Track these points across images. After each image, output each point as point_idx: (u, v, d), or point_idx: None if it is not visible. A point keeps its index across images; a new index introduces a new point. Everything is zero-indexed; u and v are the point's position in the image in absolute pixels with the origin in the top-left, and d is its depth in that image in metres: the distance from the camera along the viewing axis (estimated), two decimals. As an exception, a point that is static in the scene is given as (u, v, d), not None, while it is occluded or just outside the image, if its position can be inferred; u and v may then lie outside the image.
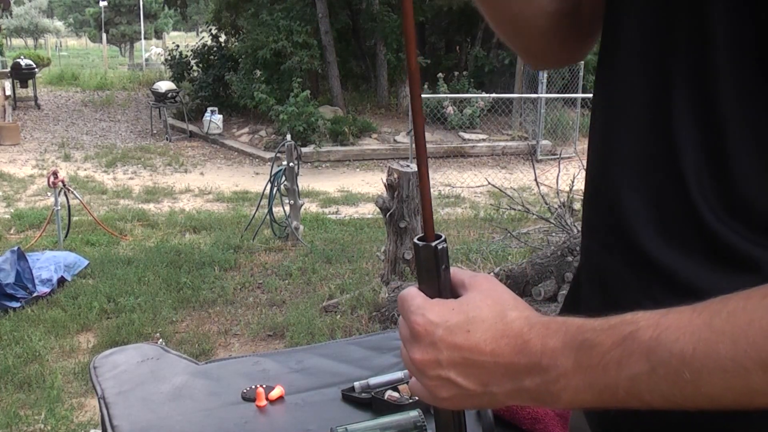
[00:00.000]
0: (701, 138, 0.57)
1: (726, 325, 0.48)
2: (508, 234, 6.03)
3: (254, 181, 9.63)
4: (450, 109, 12.57)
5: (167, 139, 12.78)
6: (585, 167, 0.74)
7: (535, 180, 6.06)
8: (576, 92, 11.92)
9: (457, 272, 0.63)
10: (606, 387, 0.52)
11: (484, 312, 0.58)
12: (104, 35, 32.64)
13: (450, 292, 0.62)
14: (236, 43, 14.52)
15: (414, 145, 0.64)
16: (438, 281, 0.62)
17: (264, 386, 1.59)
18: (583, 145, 11.24)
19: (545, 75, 11.34)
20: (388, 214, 4.67)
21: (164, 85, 13.88)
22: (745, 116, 0.54)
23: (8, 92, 15.80)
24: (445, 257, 0.62)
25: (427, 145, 0.63)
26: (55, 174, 6.17)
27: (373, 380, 1.60)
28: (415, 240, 0.62)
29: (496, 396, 0.58)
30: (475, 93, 12.86)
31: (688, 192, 0.57)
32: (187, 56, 16.11)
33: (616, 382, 0.51)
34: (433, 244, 0.61)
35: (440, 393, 0.60)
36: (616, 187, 0.64)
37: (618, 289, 0.63)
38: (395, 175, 4.65)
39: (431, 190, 0.64)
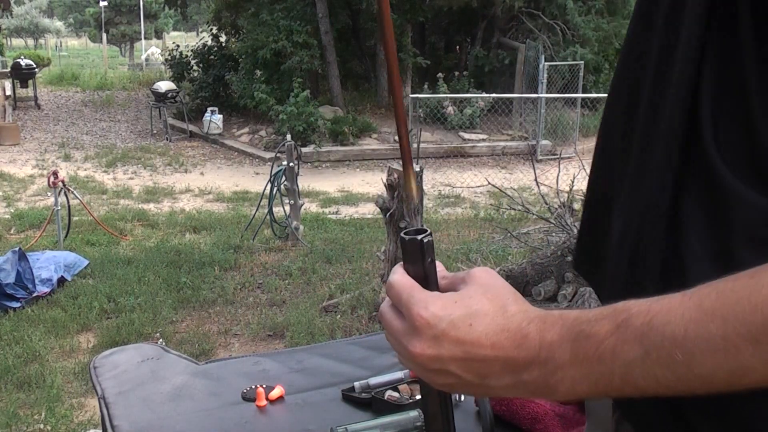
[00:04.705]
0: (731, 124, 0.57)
1: (716, 305, 0.49)
2: (508, 234, 6.03)
3: (254, 181, 9.63)
4: (450, 109, 12.56)
5: (167, 139, 12.78)
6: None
7: (535, 180, 6.05)
8: (576, 92, 11.91)
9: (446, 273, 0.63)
10: (602, 376, 0.53)
11: (486, 305, 0.58)
12: (104, 35, 32.65)
13: (435, 285, 0.62)
14: (236, 43, 14.51)
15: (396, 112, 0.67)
16: (425, 274, 0.62)
17: (264, 386, 1.59)
18: (583, 145, 11.23)
19: (545, 75, 11.33)
20: (388, 214, 4.66)
21: (164, 85, 13.88)
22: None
23: (8, 92, 15.81)
24: (430, 251, 0.62)
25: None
26: (55, 174, 6.17)
27: (373, 380, 1.60)
28: (402, 234, 0.63)
29: (493, 389, 0.59)
30: (475, 93, 12.85)
31: (709, 155, 0.57)
32: (187, 56, 16.11)
33: (611, 370, 0.53)
34: (419, 237, 0.62)
35: (437, 380, 0.61)
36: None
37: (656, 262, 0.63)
38: (395, 175, 4.65)
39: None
